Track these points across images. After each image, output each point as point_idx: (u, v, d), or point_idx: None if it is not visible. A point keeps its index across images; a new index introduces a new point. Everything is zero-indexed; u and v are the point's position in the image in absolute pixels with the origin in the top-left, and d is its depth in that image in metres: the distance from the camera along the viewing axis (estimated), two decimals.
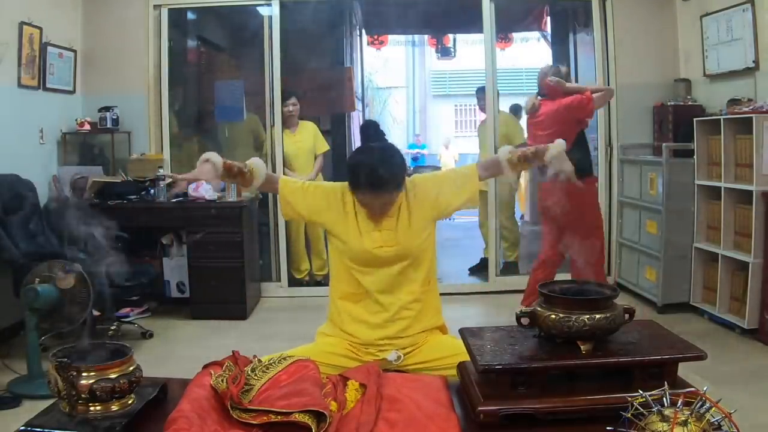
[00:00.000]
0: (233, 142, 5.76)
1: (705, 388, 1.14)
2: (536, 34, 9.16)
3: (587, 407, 1.31)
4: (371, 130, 2.07)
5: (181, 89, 5.66)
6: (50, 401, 1.38)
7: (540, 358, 1.39)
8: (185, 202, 4.54)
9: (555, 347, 1.43)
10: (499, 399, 1.33)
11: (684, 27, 4.95)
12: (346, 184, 2.07)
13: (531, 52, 11.23)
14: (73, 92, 4.85)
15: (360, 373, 1.50)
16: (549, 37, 7.86)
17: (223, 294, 4.43)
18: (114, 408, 1.33)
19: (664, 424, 1.08)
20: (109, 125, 4.75)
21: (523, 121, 5.88)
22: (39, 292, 3.06)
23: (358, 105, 7.46)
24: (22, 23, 4.15)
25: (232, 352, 1.55)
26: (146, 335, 4.06)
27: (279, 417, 1.28)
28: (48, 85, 4.48)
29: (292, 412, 1.27)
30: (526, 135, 6.00)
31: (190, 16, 5.89)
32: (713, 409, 1.10)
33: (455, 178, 2.11)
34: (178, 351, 3.84)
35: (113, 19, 4.96)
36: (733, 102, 4.07)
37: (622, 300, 1.48)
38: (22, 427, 1.27)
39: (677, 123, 4.59)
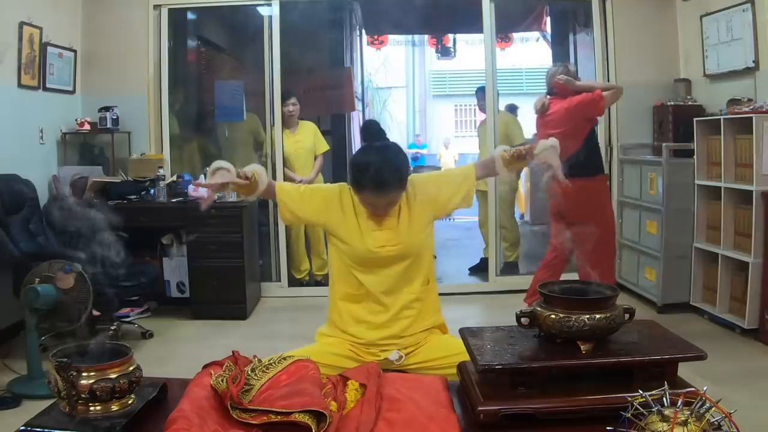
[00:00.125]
0: (233, 142, 5.76)
1: (705, 388, 1.14)
2: (536, 34, 9.17)
3: (587, 407, 1.31)
4: (373, 129, 2.07)
5: (181, 89, 5.66)
6: (50, 401, 1.38)
7: (540, 358, 1.39)
8: (185, 202, 4.54)
9: (555, 347, 1.43)
10: (499, 399, 1.33)
11: (684, 27, 4.95)
12: (343, 184, 2.08)
13: (531, 52, 11.24)
14: (73, 92, 4.85)
15: (360, 373, 1.50)
16: (549, 37, 7.86)
17: (223, 294, 4.43)
18: (114, 408, 1.33)
19: (664, 424, 1.08)
20: (109, 125, 4.74)
21: (523, 121, 5.91)
22: (39, 292, 3.06)
23: (358, 105, 7.46)
24: (22, 23, 4.15)
25: (232, 352, 1.55)
26: (146, 335, 4.06)
27: (279, 417, 1.28)
28: (48, 85, 4.48)
29: (292, 412, 1.27)
30: (528, 134, 6.03)
31: (190, 16, 5.89)
32: (713, 409, 1.10)
33: (453, 177, 2.13)
34: (178, 351, 3.84)
35: (113, 19, 4.96)
36: (733, 102, 4.07)
37: (622, 300, 1.48)
38: (22, 427, 1.27)
39: (677, 123, 4.59)
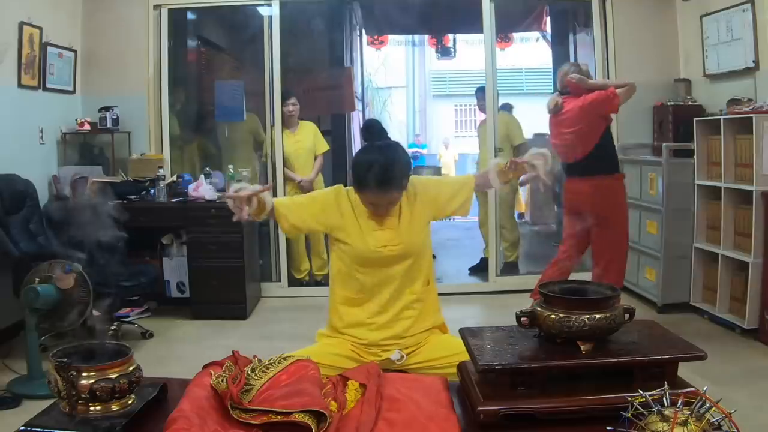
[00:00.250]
0: (233, 142, 5.76)
1: (705, 388, 1.14)
2: (536, 34, 9.16)
3: (587, 407, 1.31)
4: (374, 129, 2.07)
5: (181, 89, 5.66)
6: (50, 401, 1.38)
7: (540, 358, 1.39)
8: (185, 202, 4.54)
9: (555, 347, 1.43)
10: (499, 399, 1.33)
11: (684, 27, 4.95)
12: (339, 186, 2.09)
13: (531, 52, 11.24)
14: (73, 92, 4.85)
15: (360, 373, 1.50)
16: (549, 37, 7.86)
17: (223, 294, 4.43)
18: (114, 408, 1.33)
19: (664, 424, 1.08)
20: (109, 125, 4.74)
21: (523, 121, 5.91)
22: (39, 292, 3.06)
23: (358, 105, 7.46)
24: (22, 23, 4.15)
25: (232, 352, 1.55)
26: (146, 335, 4.06)
27: (279, 417, 1.28)
28: (48, 85, 4.48)
29: (292, 412, 1.27)
30: (528, 134, 6.02)
31: (190, 16, 5.89)
32: (713, 409, 1.10)
33: (453, 183, 2.17)
34: (178, 351, 3.83)
35: (113, 19, 4.96)
36: (733, 102, 4.07)
37: (622, 300, 1.48)
38: (22, 427, 1.27)
39: (677, 123, 4.59)
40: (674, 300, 4.33)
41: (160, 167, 4.67)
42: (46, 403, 1.38)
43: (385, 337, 2.00)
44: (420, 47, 13.64)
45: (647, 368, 1.37)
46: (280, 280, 5.18)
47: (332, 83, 6.41)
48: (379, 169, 1.90)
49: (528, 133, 5.97)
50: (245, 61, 6.51)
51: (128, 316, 4.28)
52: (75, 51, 4.81)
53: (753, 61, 4.09)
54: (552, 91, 8.00)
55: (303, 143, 5.21)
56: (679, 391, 1.15)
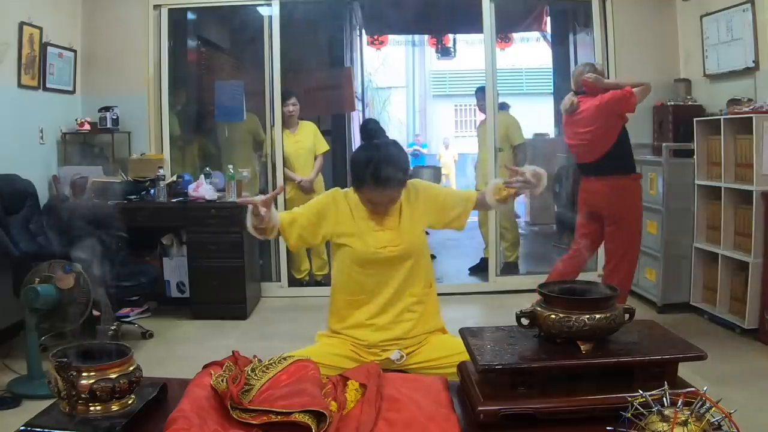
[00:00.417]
0: (233, 142, 5.76)
1: (705, 388, 1.14)
2: (536, 34, 9.17)
3: (587, 407, 1.31)
4: (372, 128, 2.08)
5: (181, 89, 5.66)
6: (50, 401, 1.38)
7: (540, 358, 1.39)
8: (185, 202, 4.54)
9: (555, 347, 1.43)
10: (499, 399, 1.33)
11: (684, 27, 4.95)
12: (336, 190, 2.10)
13: (531, 52, 11.24)
14: (73, 92, 4.85)
15: (360, 373, 1.50)
16: (549, 37, 7.87)
17: (223, 294, 4.42)
18: (114, 408, 1.33)
19: (664, 424, 1.08)
20: (109, 125, 4.75)
21: (523, 121, 5.91)
22: (39, 292, 3.06)
23: (358, 105, 7.46)
24: (22, 23, 4.15)
25: (232, 352, 1.55)
26: (146, 335, 4.06)
27: (279, 417, 1.28)
28: (48, 85, 4.48)
29: (292, 412, 1.27)
30: (528, 134, 6.01)
31: (190, 16, 5.89)
32: (713, 409, 1.10)
33: (456, 194, 2.18)
34: (178, 351, 3.83)
35: (113, 19, 4.96)
36: (733, 102, 4.07)
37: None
38: (22, 427, 1.27)
39: (677, 123, 4.59)
40: (674, 300, 4.33)
41: (160, 167, 4.67)
42: (46, 403, 1.38)
43: (385, 338, 2.00)
44: (420, 47, 13.65)
45: (647, 368, 1.37)
46: (280, 280, 5.18)
47: (332, 83, 6.41)
48: (376, 166, 1.91)
49: (528, 133, 5.96)
50: (245, 61, 6.51)
51: (128, 316, 4.28)
52: (75, 51, 4.81)
53: (753, 61, 4.09)
54: (552, 91, 8.05)
55: (303, 143, 5.21)
56: (679, 391, 1.15)
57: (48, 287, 3.10)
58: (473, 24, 5.46)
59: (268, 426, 1.28)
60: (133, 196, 4.53)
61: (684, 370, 1.42)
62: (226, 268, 4.41)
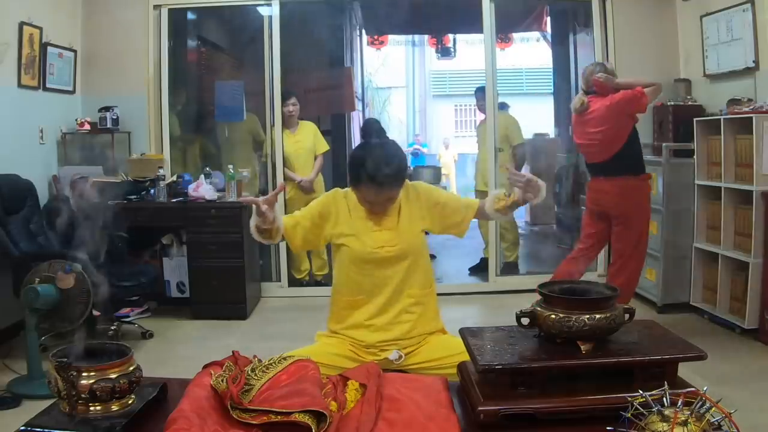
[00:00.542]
0: (233, 142, 5.76)
1: (705, 388, 1.14)
2: (536, 34, 9.16)
3: (587, 407, 1.31)
4: (372, 128, 2.08)
5: (181, 89, 5.66)
6: (50, 401, 1.38)
7: (540, 358, 1.39)
8: (185, 202, 4.54)
9: (555, 347, 1.43)
10: (499, 399, 1.33)
11: (684, 27, 4.95)
12: (336, 190, 2.10)
13: (531, 52, 11.23)
14: (73, 92, 4.85)
15: (360, 373, 1.50)
16: (549, 37, 7.86)
17: (223, 294, 4.43)
18: (114, 408, 1.33)
19: (664, 424, 1.08)
20: (109, 125, 4.75)
21: (523, 121, 5.91)
22: (39, 292, 3.06)
23: (358, 105, 7.46)
24: (22, 23, 4.15)
25: (232, 352, 1.55)
26: (146, 335, 4.06)
27: (279, 417, 1.28)
28: (48, 85, 4.48)
29: (292, 412, 1.27)
30: (528, 134, 6.00)
31: (190, 16, 5.88)
32: (713, 409, 1.10)
33: (458, 200, 2.17)
34: (178, 351, 3.83)
35: (113, 19, 4.95)
36: (733, 102, 4.07)
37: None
38: (22, 427, 1.27)
39: (677, 123, 4.59)
40: (674, 300, 4.33)
41: (160, 167, 4.67)
42: (46, 403, 1.38)
43: (383, 339, 2.00)
44: (420, 47, 13.64)
45: (647, 368, 1.37)
46: (280, 280, 5.18)
47: (332, 83, 6.41)
48: (374, 165, 1.91)
49: (528, 133, 5.96)
50: (245, 61, 6.51)
51: (128, 316, 4.28)
52: (75, 51, 4.81)
53: (753, 61, 4.09)
54: (552, 91, 8.04)
55: (303, 143, 5.21)
56: (679, 391, 1.15)
57: (48, 287, 3.10)
58: (473, 24, 5.46)
59: (268, 426, 1.28)
60: (133, 196, 4.53)
61: (684, 370, 1.42)
62: (226, 268, 4.41)
